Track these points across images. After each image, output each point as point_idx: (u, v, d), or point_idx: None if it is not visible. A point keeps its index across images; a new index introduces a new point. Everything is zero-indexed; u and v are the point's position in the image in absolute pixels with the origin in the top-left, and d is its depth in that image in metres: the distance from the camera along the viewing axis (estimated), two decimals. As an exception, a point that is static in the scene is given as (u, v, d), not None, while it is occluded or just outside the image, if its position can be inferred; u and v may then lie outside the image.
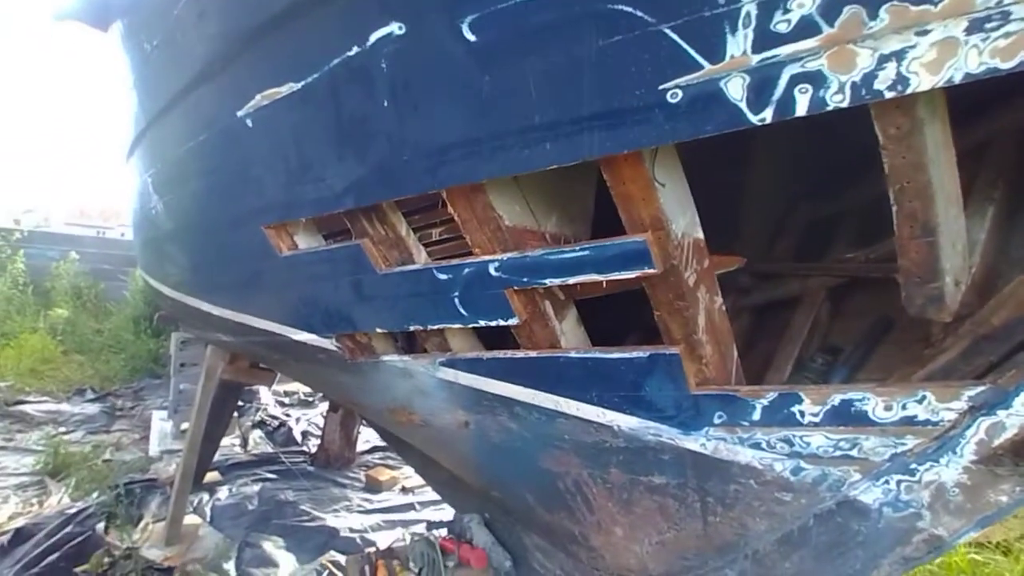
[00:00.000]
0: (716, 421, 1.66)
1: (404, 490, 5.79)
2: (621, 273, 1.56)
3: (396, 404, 2.70)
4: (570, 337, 1.95)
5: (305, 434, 7.38)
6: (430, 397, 2.43)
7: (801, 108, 1.15)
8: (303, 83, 1.71)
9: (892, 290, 1.59)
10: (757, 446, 1.61)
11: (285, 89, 1.77)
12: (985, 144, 1.74)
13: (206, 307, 3.43)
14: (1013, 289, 1.31)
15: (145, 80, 2.65)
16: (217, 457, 6.04)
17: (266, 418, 7.78)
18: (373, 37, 1.47)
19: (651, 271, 1.51)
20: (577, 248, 1.61)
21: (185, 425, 5.74)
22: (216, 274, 3.17)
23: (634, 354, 1.72)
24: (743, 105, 1.18)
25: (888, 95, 1.09)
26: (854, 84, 1.11)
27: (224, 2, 1.87)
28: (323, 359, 2.84)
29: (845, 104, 1.12)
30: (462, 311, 1.96)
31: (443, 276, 1.93)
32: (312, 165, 1.92)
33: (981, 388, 1.28)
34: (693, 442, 1.72)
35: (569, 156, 1.42)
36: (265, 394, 8.58)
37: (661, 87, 1.23)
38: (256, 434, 7.34)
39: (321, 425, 6.87)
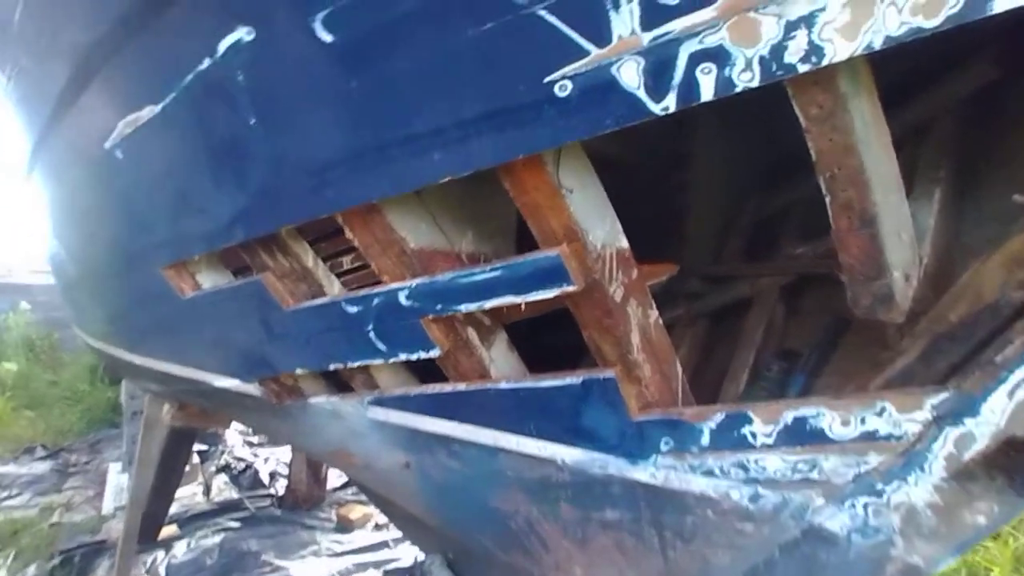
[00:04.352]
0: (663, 448, 1.49)
1: (377, 527, 5.49)
2: (539, 293, 1.38)
3: (332, 447, 2.47)
4: (500, 364, 1.76)
5: (273, 475, 6.98)
6: (364, 438, 2.21)
7: (707, 92, 0.98)
8: (162, 105, 1.49)
9: (844, 286, 1.44)
10: (710, 473, 1.44)
11: (146, 113, 1.54)
12: (924, 123, 1.60)
13: (128, 357, 3.13)
14: (969, 279, 1.16)
15: (15, 113, 2.38)
16: (176, 509, 5.67)
17: (231, 461, 7.36)
18: (222, 46, 1.26)
19: (570, 288, 1.33)
20: (488, 268, 1.42)
21: (139, 479, 5.36)
22: (128, 322, 2.88)
23: (567, 380, 1.54)
24: (641, 93, 1.01)
25: (802, 68, 0.93)
26: (762, 59, 0.94)
27: (54, 17, 1.63)
28: (251, 404, 2.59)
29: (755, 83, 0.96)
30: (379, 346, 1.75)
31: (352, 309, 1.72)
32: (191, 196, 1.70)
33: (944, 395, 1.12)
34: (642, 472, 1.54)
35: (461, 166, 1.23)
36: (231, 435, 8.16)
37: (547, 80, 1.05)
38: (220, 479, 6.93)
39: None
